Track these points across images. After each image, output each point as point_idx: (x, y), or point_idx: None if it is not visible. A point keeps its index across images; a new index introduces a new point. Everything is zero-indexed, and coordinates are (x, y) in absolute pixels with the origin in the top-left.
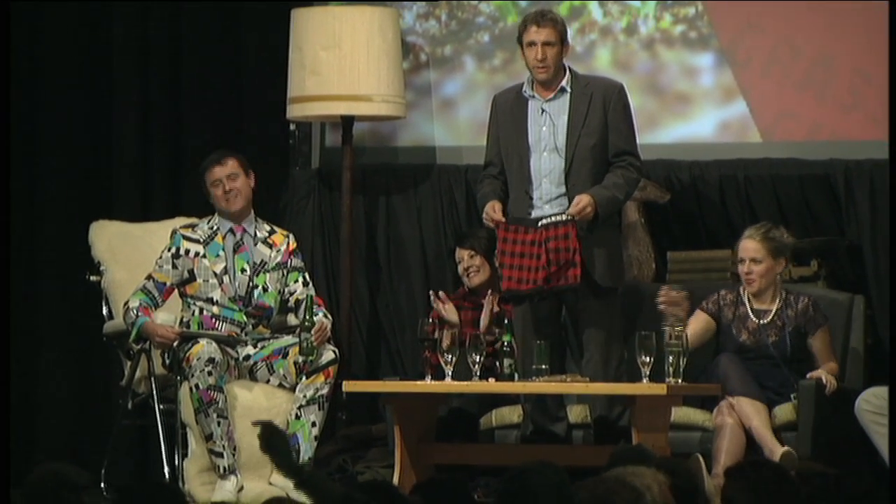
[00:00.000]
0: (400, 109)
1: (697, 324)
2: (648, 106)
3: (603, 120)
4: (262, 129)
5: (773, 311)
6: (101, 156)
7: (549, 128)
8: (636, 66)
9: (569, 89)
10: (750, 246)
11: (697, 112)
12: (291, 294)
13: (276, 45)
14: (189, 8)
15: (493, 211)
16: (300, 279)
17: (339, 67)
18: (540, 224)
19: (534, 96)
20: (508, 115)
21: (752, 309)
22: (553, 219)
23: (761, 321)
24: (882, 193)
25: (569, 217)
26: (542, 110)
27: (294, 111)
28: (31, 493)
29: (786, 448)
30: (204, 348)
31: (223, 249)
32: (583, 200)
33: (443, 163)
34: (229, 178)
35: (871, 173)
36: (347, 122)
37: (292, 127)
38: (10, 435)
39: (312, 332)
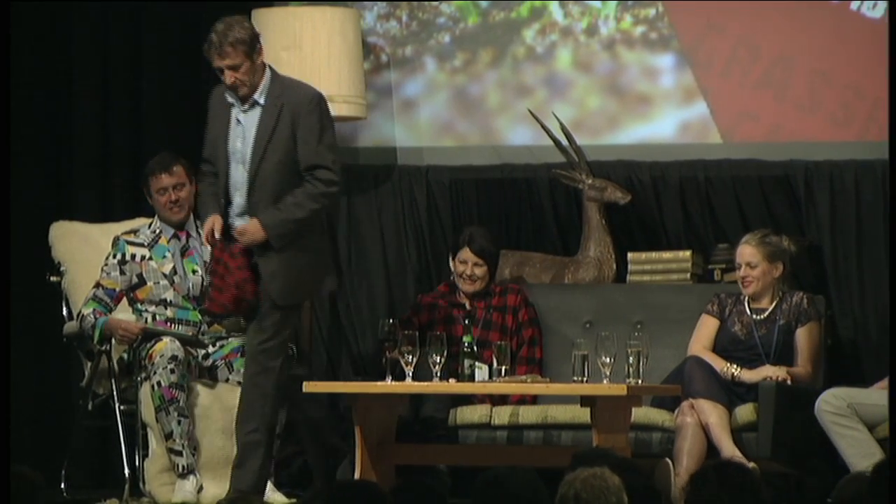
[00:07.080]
0: (360, 110)
1: (708, 328)
2: (609, 107)
3: (291, 134)
4: None
5: (769, 310)
6: (61, 157)
7: (241, 140)
8: (597, 67)
9: (261, 102)
10: (745, 251)
11: (658, 113)
12: None
13: None
14: (149, 8)
15: (209, 235)
16: None
17: (300, 68)
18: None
19: (233, 104)
20: (214, 113)
21: (749, 307)
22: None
23: (756, 317)
24: (842, 194)
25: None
26: (238, 121)
27: None
28: None
29: (752, 463)
30: (167, 346)
31: (169, 251)
32: (246, 227)
33: (404, 163)
34: (175, 188)
35: (831, 174)
36: None
37: None
38: (9, 436)
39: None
